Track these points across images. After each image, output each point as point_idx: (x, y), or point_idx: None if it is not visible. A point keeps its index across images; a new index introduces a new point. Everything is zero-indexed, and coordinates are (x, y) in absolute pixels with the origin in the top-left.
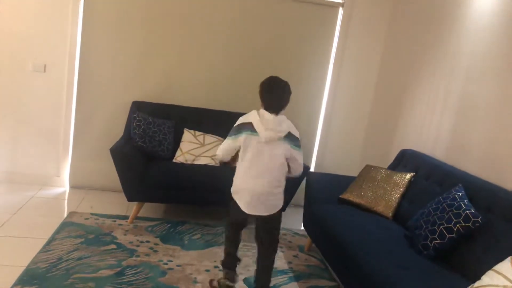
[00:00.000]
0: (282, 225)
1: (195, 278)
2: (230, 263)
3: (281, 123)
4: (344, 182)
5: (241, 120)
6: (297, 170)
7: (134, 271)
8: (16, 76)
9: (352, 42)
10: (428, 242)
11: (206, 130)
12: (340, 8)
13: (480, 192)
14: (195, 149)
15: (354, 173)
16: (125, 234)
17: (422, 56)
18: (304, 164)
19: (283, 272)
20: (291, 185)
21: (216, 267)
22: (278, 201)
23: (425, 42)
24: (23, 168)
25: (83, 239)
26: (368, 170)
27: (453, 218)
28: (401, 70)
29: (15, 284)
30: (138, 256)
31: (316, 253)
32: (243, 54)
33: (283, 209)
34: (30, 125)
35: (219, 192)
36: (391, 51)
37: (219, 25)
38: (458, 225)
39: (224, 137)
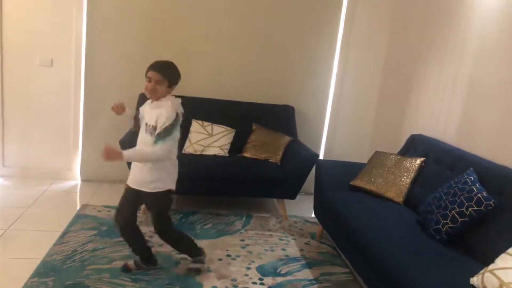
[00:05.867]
0: (293, 213)
1: (208, 267)
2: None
3: None
4: (354, 168)
5: (175, 110)
6: None
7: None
8: (24, 71)
9: (358, 27)
10: (440, 226)
11: (214, 120)
12: None
13: (492, 175)
14: (203, 139)
15: (363, 159)
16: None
17: (431, 39)
18: (313, 151)
19: (295, 259)
20: (300, 173)
21: (228, 256)
22: None
23: (433, 25)
24: (35, 162)
25: (96, 231)
26: (378, 156)
27: (465, 202)
28: (409, 54)
29: (32, 276)
30: (151, 246)
31: (328, 240)
32: (250, 43)
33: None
34: (40, 119)
35: (228, 182)
36: (399, 35)
37: (226, 15)
38: (470, 208)
39: (232, 126)
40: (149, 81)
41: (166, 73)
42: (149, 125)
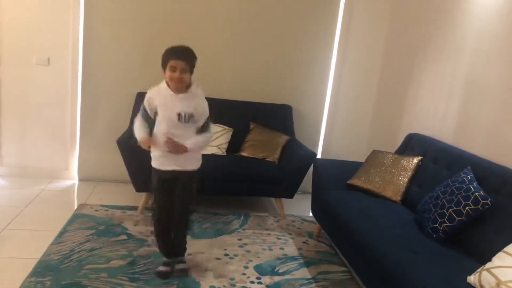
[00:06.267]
0: (291, 212)
1: (206, 266)
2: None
3: None
4: (351, 167)
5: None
6: None
7: (145, 261)
8: (21, 70)
9: (355, 26)
10: (437, 225)
11: (212, 119)
12: None
13: (489, 174)
14: None
15: (361, 158)
16: (135, 225)
17: (428, 38)
18: (310, 150)
19: (293, 258)
20: (298, 172)
21: (226, 255)
22: None
23: (432, 23)
24: (32, 161)
25: (94, 231)
26: (375, 155)
27: (462, 201)
28: (407, 52)
29: (29, 276)
30: (149, 246)
31: (326, 239)
32: (248, 42)
33: None
34: (37, 119)
35: (226, 181)
36: (396, 34)
37: (224, 14)
38: (467, 207)
39: (230, 126)
40: (173, 70)
41: (189, 60)
42: (185, 114)
